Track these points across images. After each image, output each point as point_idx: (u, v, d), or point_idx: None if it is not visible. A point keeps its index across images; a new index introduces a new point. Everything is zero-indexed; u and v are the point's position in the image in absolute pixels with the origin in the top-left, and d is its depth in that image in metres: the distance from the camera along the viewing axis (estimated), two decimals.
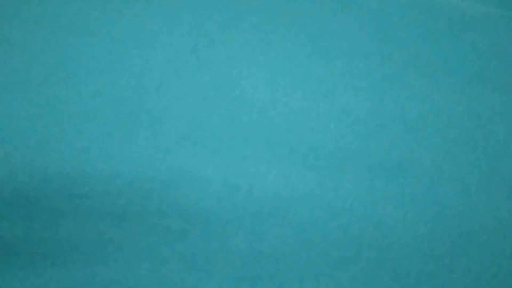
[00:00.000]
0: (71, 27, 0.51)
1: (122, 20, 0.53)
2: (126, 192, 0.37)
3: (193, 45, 0.52)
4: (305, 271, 0.34)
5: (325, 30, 0.56)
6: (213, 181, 0.38)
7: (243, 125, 0.44)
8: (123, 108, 0.44)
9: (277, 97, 0.47)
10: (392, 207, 0.40)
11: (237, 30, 0.54)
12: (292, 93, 0.48)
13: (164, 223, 0.36)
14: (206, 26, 0.55)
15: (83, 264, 0.33)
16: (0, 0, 0.53)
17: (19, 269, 0.32)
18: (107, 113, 0.43)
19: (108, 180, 0.37)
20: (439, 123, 0.54)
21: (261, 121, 0.44)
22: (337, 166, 0.42)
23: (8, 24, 0.49)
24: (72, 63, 0.47)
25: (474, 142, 0.51)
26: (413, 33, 0.57)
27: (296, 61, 0.51)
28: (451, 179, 0.47)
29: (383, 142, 0.47)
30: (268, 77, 0.49)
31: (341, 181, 0.41)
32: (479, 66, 0.65)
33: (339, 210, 0.38)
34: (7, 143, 0.39)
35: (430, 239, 0.38)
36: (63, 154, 0.39)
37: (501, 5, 0.82)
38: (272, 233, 0.36)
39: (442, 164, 0.48)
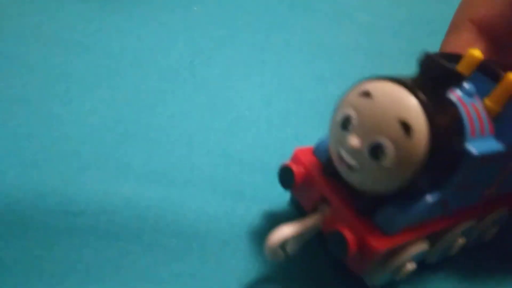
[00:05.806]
0: (68, 42, 0.50)
1: (118, 36, 0.52)
2: (122, 210, 0.37)
3: (189, 62, 0.52)
4: None
5: (322, 49, 0.56)
6: (211, 201, 0.38)
7: (240, 145, 0.43)
8: (119, 126, 0.43)
9: (272, 119, 0.47)
10: None
11: (233, 47, 0.54)
12: (287, 117, 0.48)
13: (161, 242, 0.35)
14: (202, 44, 0.54)
15: (79, 284, 0.33)
16: None
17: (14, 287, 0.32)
18: (103, 131, 0.42)
19: (104, 198, 0.37)
20: None
21: (256, 143, 0.44)
22: None
23: (4, 38, 0.49)
24: (68, 79, 0.46)
25: None
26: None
27: (291, 82, 0.51)
28: None
29: None
30: (264, 96, 0.49)
31: None
32: None
33: None
34: (2, 161, 0.38)
35: None
36: (59, 173, 0.38)
37: None
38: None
39: None
